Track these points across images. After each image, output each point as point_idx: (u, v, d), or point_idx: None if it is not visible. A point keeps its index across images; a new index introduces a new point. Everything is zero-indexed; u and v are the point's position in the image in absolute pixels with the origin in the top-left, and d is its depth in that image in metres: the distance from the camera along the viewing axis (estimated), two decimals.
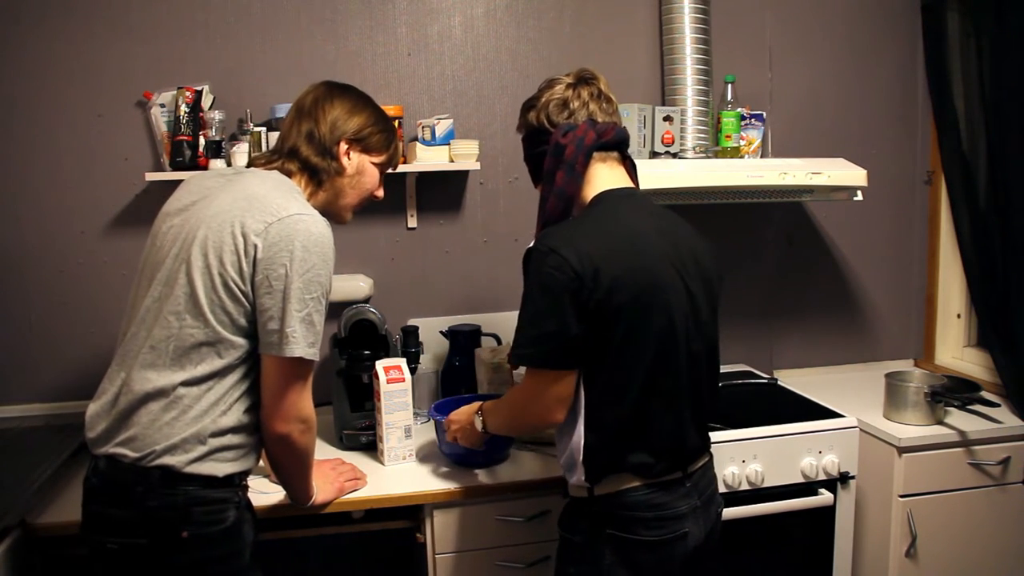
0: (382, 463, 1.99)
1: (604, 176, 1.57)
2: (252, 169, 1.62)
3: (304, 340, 1.43)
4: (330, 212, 1.63)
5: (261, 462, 1.70)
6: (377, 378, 1.97)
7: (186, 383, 1.42)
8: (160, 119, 2.21)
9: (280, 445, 1.52)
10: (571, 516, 1.58)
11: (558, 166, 1.53)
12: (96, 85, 2.24)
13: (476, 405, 1.77)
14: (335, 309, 2.32)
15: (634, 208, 1.55)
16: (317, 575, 2.36)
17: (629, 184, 1.60)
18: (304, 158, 1.58)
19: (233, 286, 1.43)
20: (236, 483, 1.50)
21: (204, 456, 1.43)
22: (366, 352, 2.13)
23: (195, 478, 1.42)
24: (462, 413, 1.81)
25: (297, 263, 1.42)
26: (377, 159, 1.66)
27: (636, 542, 1.49)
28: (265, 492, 1.77)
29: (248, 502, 1.55)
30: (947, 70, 2.57)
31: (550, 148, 1.54)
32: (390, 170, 1.74)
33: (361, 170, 1.64)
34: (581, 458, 1.50)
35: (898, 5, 2.70)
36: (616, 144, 1.58)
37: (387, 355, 2.11)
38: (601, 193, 1.55)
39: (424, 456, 2.03)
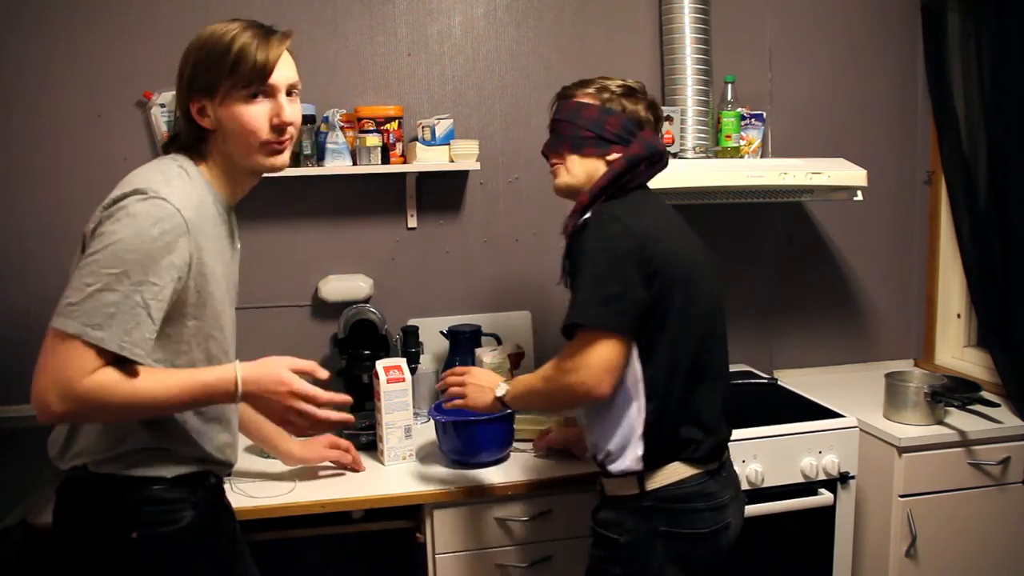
0: (382, 463, 1.99)
1: None
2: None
3: (80, 313, 1.24)
4: (248, 170, 1.42)
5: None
6: (377, 378, 1.97)
7: None
8: (160, 119, 2.21)
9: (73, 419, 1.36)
10: (615, 515, 1.55)
11: (633, 137, 1.56)
12: (96, 85, 2.24)
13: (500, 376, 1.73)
14: (335, 309, 2.33)
15: (659, 202, 1.63)
16: (317, 575, 2.36)
17: None
18: (177, 138, 1.42)
19: None
20: (195, 483, 1.42)
21: (145, 460, 1.36)
22: (366, 352, 2.13)
23: (142, 480, 1.36)
24: (484, 374, 1.73)
25: (107, 235, 1.27)
26: (229, 98, 1.33)
27: (687, 536, 1.50)
28: (264, 493, 1.77)
29: (224, 504, 1.51)
30: (947, 70, 2.57)
31: (623, 120, 1.57)
32: (270, 83, 1.36)
33: (224, 118, 1.34)
34: (640, 432, 1.50)
35: (898, 5, 2.70)
36: (650, 177, 1.62)
37: (387, 355, 2.11)
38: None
39: (424, 456, 2.03)
